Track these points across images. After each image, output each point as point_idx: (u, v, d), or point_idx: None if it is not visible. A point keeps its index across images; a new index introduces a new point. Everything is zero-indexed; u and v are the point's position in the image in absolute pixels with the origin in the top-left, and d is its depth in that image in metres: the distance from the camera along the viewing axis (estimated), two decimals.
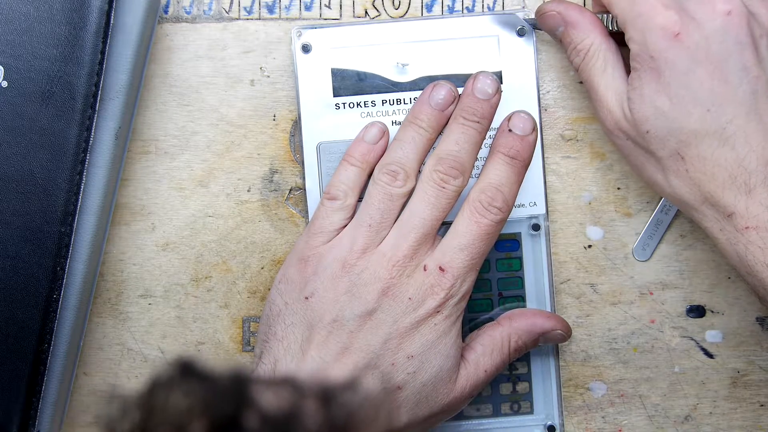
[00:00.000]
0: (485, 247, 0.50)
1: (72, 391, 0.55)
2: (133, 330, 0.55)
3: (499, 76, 0.54)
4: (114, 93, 0.52)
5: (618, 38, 0.51)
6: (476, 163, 0.53)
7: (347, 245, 0.50)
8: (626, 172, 0.55)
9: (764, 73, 0.48)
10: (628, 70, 0.50)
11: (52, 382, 0.52)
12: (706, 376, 0.56)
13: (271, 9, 0.55)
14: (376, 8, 0.55)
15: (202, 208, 0.55)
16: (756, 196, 0.47)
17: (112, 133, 0.52)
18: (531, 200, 0.55)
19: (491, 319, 0.54)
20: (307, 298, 0.50)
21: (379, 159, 0.52)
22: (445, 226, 0.51)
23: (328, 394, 0.38)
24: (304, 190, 0.55)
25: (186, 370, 0.36)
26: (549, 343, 0.54)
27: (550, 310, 0.55)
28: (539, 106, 0.55)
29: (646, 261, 0.55)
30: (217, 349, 0.56)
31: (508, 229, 0.55)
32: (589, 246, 0.56)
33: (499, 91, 0.52)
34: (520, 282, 0.55)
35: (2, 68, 0.50)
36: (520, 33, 0.54)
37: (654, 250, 0.55)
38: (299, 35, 0.54)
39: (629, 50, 0.50)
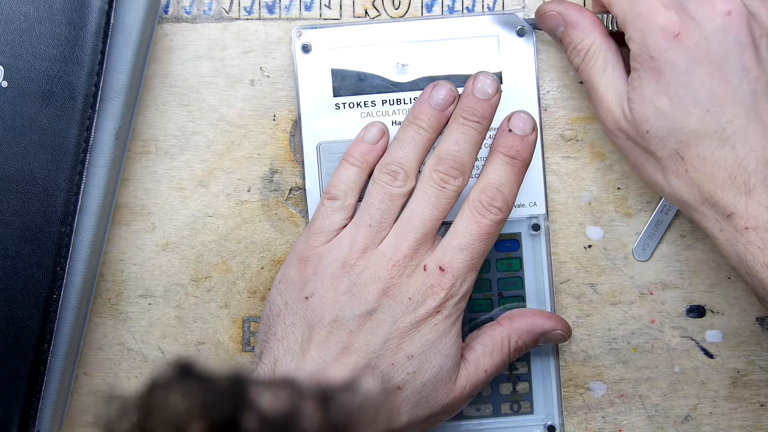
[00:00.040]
0: (485, 247, 0.50)
1: (72, 391, 0.55)
2: (133, 330, 0.55)
3: (499, 76, 0.54)
4: (114, 93, 0.52)
5: (618, 38, 0.51)
6: (476, 163, 0.53)
7: (347, 245, 0.50)
8: (626, 172, 0.55)
9: (764, 74, 0.48)
10: (628, 70, 0.50)
11: (52, 382, 0.52)
12: (706, 376, 0.56)
13: (271, 9, 0.55)
14: (376, 8, 0.55)
15: (202, 208, 0.55)
16: (755, 197, 0.47)
17: (112, 133, 0.52)
18: (531, 200, 0.55)
19: (491, 319, 0.54)
20: (307, 298, 0.50)
21: (379, 159, 0.52)
22: (445, 226, 0.51)
23: (326, 395, 0.37)
24: (304, 190, 0.55)
25: (185, 371, 0.36)
26: (549, 343, 0.54)
27: (550, 310, 0.55)
28: (539, 106, 0.55)
29: (646, 261, 0.55)
30: (217, 349, 0.56)
31: (508, 229, 0.55)
32: (589, 246, 0.56)
33: (499, 91, 0.52)
34: (520, 282, 0.55)
35: (2, 68, 0.50)
36: (520, 33, 0.54)
37: (654, 250, 0.55)
38: (299, 35, 0.54)
39: (629, 50, 0.50)
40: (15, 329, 0.50)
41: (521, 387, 0.55)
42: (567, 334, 0.54)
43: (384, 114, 0.54)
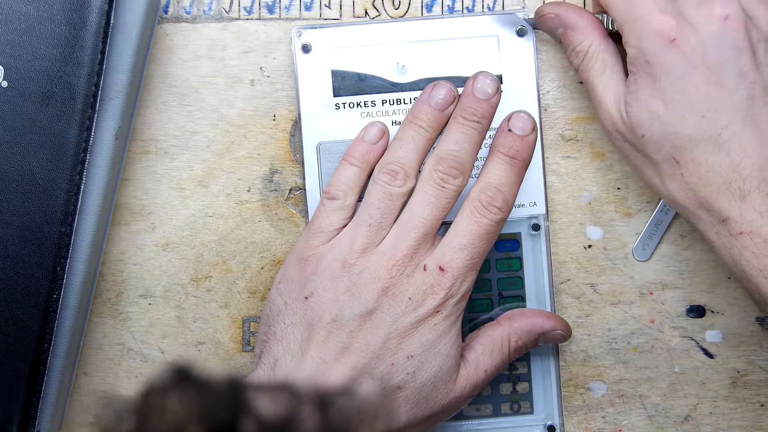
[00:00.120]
0: (485, 246, 0.50)
1: (72, 391, 0.55)
2: (133, 330, 0.56)
3: (499, 76, 0.54)
4: (114, 93, 0.52)
5: (618, 38, 0.51)
6: (476, 163, 0.53)
7: (347, 245, 0.50)
8: (626, 172, 0.55)
9: (761, 78, 0.47)
10: (627, 71, 0.50)
11: (52, 382, 0.52)
12: (706, 376, 0.56)
13: (271, 9, 0.55)
14: (376, 8, 0.55)
15: (202, 208, 0.55)
16: (750, 202, 0.47)
17: (112, 133, 0.52)
18: (531, 200, 0.55)
19: (491, 319, 0.54)
20: (306, 297, 0.50)
21: (379, 159, 0.52)
22: (444, 226, 0.51)
23: (325, 400, 0.37)
24: (304, 190, 0.55)
25: (182, 376, 0.36)
26: (549, 343, 0.54)
27: (550, 310, 0.55)
28: (539, 106, 0.55)
29: (646, 261, 0.55)
30: (217, 349, 0.56)
31: (508, 229, 0.55)
32: (589, 246, 0.56)
33: (498, 91, 0.52)
34: (520, 282, 0.55)
35: (2, 68, 0.50)
36: (520, 33, 0.54)
37: (654, 250, 0.55)
38: (299, 35, 0.54)
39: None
40: (15, 329, 0.50)
41: (521, 387, 0.55)
42: (567, 334, 0.53)
43: (384, 114, 0.54)
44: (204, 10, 0.55)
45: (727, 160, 0.47)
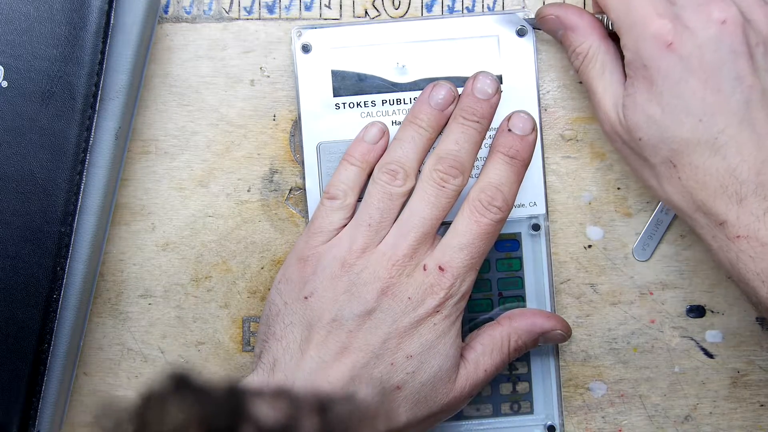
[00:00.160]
0: (485, 246, 0.50)
1: (72, 391, 0.55)
2: (133, 330, 0.56)
3: (499, 76, 0.54)
4: (114, 93, 0.52)
5: (619, 39, 0.51)
6: (476, 163, 0.53)
7: (347, 245, 0.50)
8: (626, 172, 0.55)
9: (759, 82, 0.47)
10: None
11: (52, 382, 0.52)
12: (706, 376, 0.56)
13: (271, 9, 0.55)
14: (376, 8, 0.55)
15: (202, 208, 0.55)
16: (747, 206, 0.47)
17: (112, 133, 0.52)
18: (531, 200, 0.55)
19: (491, 319, 0.54)
20: (306, 297, 0.50)
21: (379, 159, 0.52)
22: (444, 226, 0.51)
23: (323, 405, 0.37)
24: (304, 190, 0.55)
25: (181, 382, 0.36)
26: (549, 343, 0.54)
27: (550, 310, 0.55)
28: (539, 106, 0.55)
29: (646, 261, 0.55)
30: (217, 349, 0.56)
31: (508, 229, 0.55)
32: (589, 246, 0.56)
33: (498, 91, 0.52)
34: (520, 282, 0.55)
35: (2, 68, 0.50)
36: (520, 33, 0.54)
37: (654, 250, 0.55)
38: (299, 35, 0.54)
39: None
40: (15, 329, 0.50)
41: (521, 387, 0.55)
42: (567, 334, 0.53)
43: (384, 114, 0.54)
44: (204, 10, 0.55)
45: (724, 164, 0.47)
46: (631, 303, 0.55)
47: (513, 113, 0.52)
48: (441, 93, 0.52)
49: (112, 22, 0.50)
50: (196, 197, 0.55)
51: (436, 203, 0.50)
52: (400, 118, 0.54)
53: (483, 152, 0.53)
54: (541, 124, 0.55)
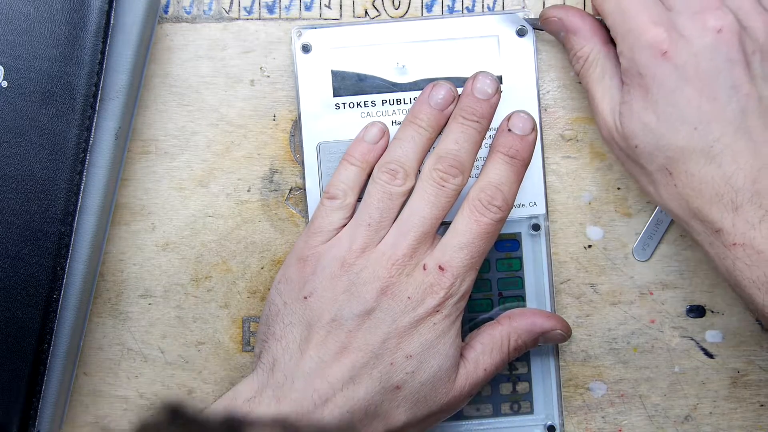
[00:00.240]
0: (485, 246, 0.50)
1: (72, 391, 0.55)
2: (133, 330, 0.56)
3: (499, 76, 0.54)
4: (114, 93, 0.52)
5: None
6: (476, 163, 0.53)
7: (346, 244, 0.50)
8: (626, 172, 0.55)
9: (756, 90, 0.47)
10: None
11: (52, 382, 0.52)
12: (706, 376, 0.56)
13: (271, 9, 0.55)
14: (376, 8, 0.55)
15: (202, 208, 0.55)
16: (742, 214, 0.47)
17: (112, 133, 0.52)
18: (531, 200, 0.55)
19: (491, 319, 0.54)
20: (305, 297, 0.50)
21: (379, 159, 0.52)
22: (444, 225, 0.51)
23: None
24: (304, 190, 0.55)
25: (175, 414, 0.36)
26: (549, 342, 0.54)
27: (550, 310, 0.55)
28: (539, 106, 0.55)
29: (646, 261, 0.55)
30: (217, 349, 0.56)
31: (508, 229, 0.55)
32: (589, 246, 0.56)
33: (498, 91, 0.52)
34: (520, 282, 0.55)
35: (2, 68, 0.50)
36: (520, 33, 0.54)
37: (654, 250, 0.55)
38: (299, 35, 0.54)
39: None
40: (15, 329, 0.50)
41: (521, 387, 0.55)
42: (567, 334, 0.53)
43: (384, 114, 0.54)
44: (204, 10, 0.55)
45: (720, 172, 0.47)
46: (631, 303, 0.55)
47: (513, 113, 0.52)
48: (441, 93, 0.52)
49: (112, 22, 0.50)
50: (196, 197, 0.55)
51: (436, 203, 0.50)
52: (400, 118, 0.54)
53: (483, 152, 0.53)
54: (541, 124, 0.55)
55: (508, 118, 0.52)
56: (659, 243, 0.55)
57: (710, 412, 0.56)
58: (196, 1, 0.55)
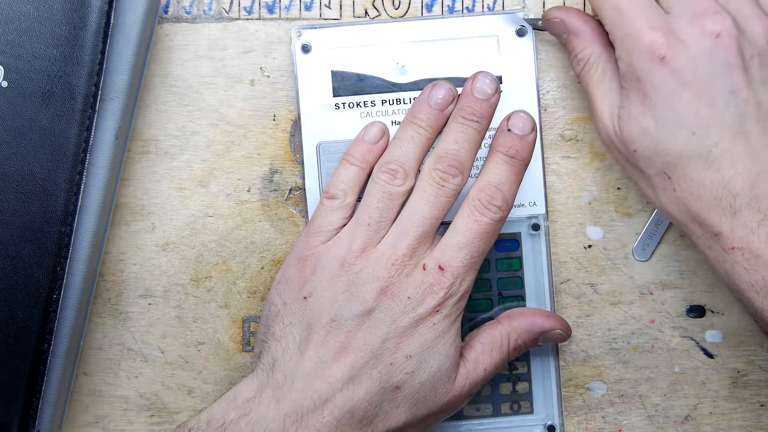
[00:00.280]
0: (485, 245, 0.50)
1: (72, 391, 0.55)
2: (133, 330, 0.56)
3: (499, 76, 0.54)
4: (114, 93, 0.52)
5: None
6: (476, 163, 0.53)
7: (346, 244, 0.50)
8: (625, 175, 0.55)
9: (754, 95, 0.47)
10: None
11: (52, 382, 0.52)
12: (706, 376, 0.56)
13: (271, 9, 0.55)
14: (376, 8, 0.55)
15: (202, 208, 0.55)
16: (741, 218, 0.47)
17: (112, 133, 0.52)
18: (531, 200, 0.55)
19: (491, 319, 0.54)
20: (305, 297, 0.50)
21: (379, 159, 0.52)
22: (444, 225, 0.51)
23: None
24: (304, 190, 0.55)
25: None
26: (549, 342, 0.54)
27: (550, 310, 0.55)
28: (539, 106, 0.55)
29: (646, 261, 0.55)
30: (217, 349, 0.56)
31: (508, 229, 0.55)
32: (589, 246, 0.56)
33: (498, 91, 0.52)
34: (520, 282, 0.55)
35: (2, 68, 0.50)
36: (520, 33, 0.54)
37: (654, 250, 0.55)
38: (299, 35, 0.54)
39: None
40: (15, 329, 0.50)
41: (521, 387, 0.55)
42: (567, 333, 0.53)
43: (384, 114, 0.54)
44: (204, 10, 0.55)
45: (718, 176, 0.47)
46: (631, 303, 0.55)
47: (512, 113, 0.52)
48: (440, 93, 0.52)
49: (112, 22, 0.50)
50: (196, 197, 0.55)
51: (436, 202, 0.50)
52: (400, 118, 0.54)
53: (483, 152, 0.53)
54: (541, 124, 0.55)
55: (508, 118, 0.52)
56: (659, 243, 0.55)
57: (710, 412, 0.56)
58: (196, 1, 0.55)
